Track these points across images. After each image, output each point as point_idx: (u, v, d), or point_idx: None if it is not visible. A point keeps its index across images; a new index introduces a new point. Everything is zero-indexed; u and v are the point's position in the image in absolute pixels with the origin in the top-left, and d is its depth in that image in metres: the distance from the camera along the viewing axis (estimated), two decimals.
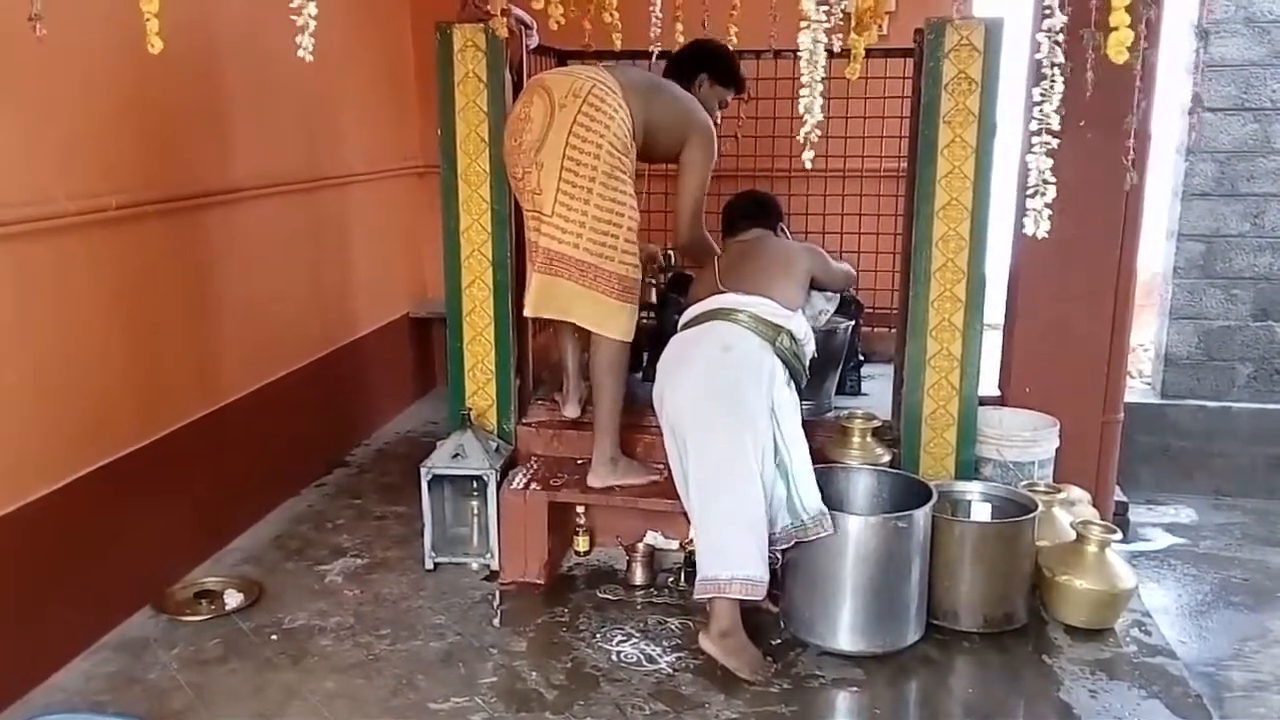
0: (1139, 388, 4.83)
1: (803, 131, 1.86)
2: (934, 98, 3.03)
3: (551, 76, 3.09)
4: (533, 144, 2.96)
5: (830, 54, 3.01)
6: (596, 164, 2.93)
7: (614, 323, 3.06)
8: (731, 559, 2.69)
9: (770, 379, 2.84)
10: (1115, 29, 1.75)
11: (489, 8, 2.62)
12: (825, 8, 1.86)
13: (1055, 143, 1.97)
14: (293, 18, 1.92)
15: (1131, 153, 2.36)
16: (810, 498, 2.77)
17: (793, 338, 2.94)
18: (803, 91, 1.88)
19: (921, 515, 2.75)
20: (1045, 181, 1.91)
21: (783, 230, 3.39)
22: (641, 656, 2.82)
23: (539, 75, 3.15)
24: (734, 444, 2.73)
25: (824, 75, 1.94)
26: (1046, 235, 1.98)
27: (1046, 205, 1.92)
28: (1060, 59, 1.96)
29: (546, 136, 2.93)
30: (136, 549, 2.99)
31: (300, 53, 1.95)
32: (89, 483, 2.80)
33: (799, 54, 1.92)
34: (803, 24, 1.85)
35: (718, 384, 2.83)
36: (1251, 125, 4.45)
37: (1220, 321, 4.57)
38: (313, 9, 1.95)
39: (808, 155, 1.88)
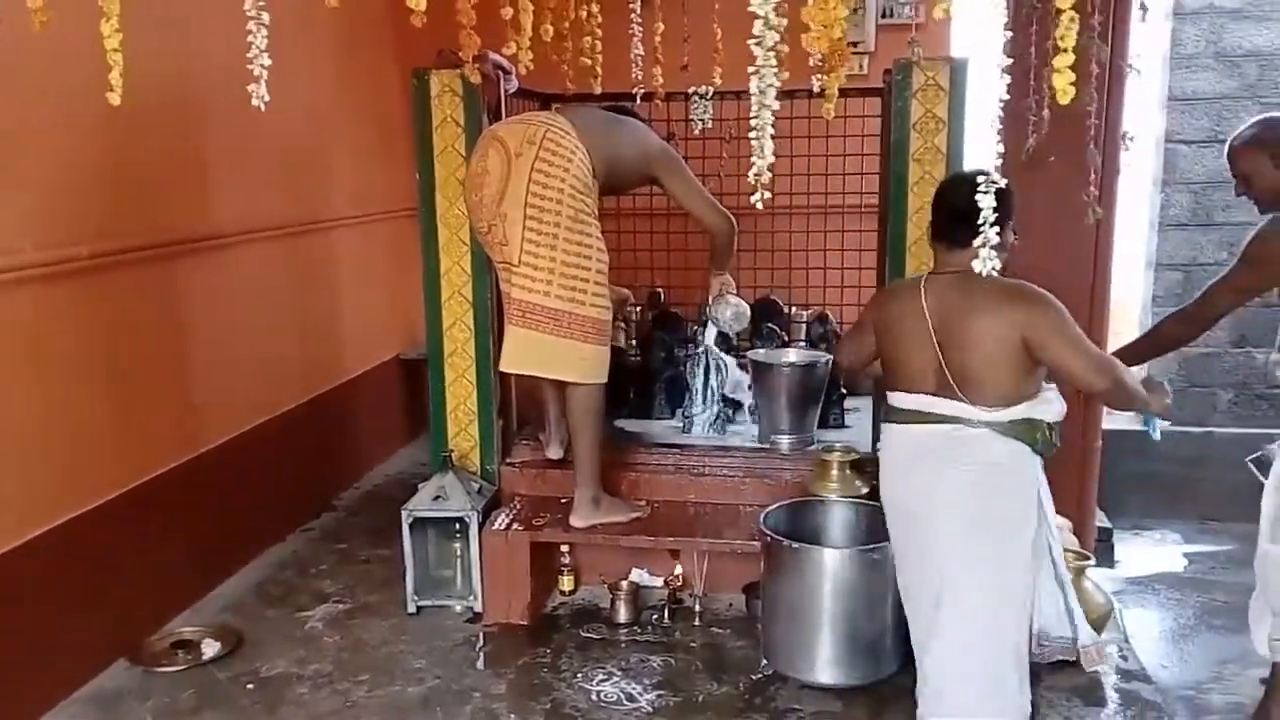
0: (1124, 415, 4.84)
1: (752, 173, 1.89)
2: (903, 136, 3.09)
3: (504, 127, 3.11)
4: (494, 196, 2.98)
5: (809, 94, 3.09)
6: (560, 209, 2.96)
7: (591, 368, 3.08)
8: None
9: None
10: (1058, 70, 1.79)
11: (460, 54, 2.67)
12: (774, 53, 1.90)
13: (1002, 181, 2.00)
14: (248, 67, 1.97)
15: (1093, 187, 2.41)
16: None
17: None
18: (753, 134, 1.91)
19: None
20: (989, 222, 1.94)
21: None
22: (622, 695, 2.82)
23: (491, 127, 3.18)
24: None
25: (776, 116, 1.98)
26: (995, 272, 2.00)
27: (990, 246, 1.94)
28: (1005, 97, 2.00)
29: (507, 187, 2.95)
30: (113, 600, 2.99)
31: (255, 101, 1.98)
32: (62, 534, 2.81)
33: (764, 93, 1.95)
34: (751, 69, 1.89)
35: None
36: (1225, 157, 4.51)
37: (1200, 349, 4.58)
38: (266, 59, 1.99)
39: (757, 197, 1.91)
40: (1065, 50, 1.78)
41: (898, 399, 2.56)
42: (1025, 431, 2.42)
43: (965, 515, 2.40)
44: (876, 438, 3.37)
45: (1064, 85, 1.78)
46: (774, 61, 1.86)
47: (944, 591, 2.41)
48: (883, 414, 2.66)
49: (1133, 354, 3.06)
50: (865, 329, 2.74)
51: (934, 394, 2.46)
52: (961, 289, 2.41)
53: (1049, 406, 2.45)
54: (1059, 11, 1.79)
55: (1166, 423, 2.63)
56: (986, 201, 2.05)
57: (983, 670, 2.40)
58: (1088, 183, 2.26)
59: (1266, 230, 2.61)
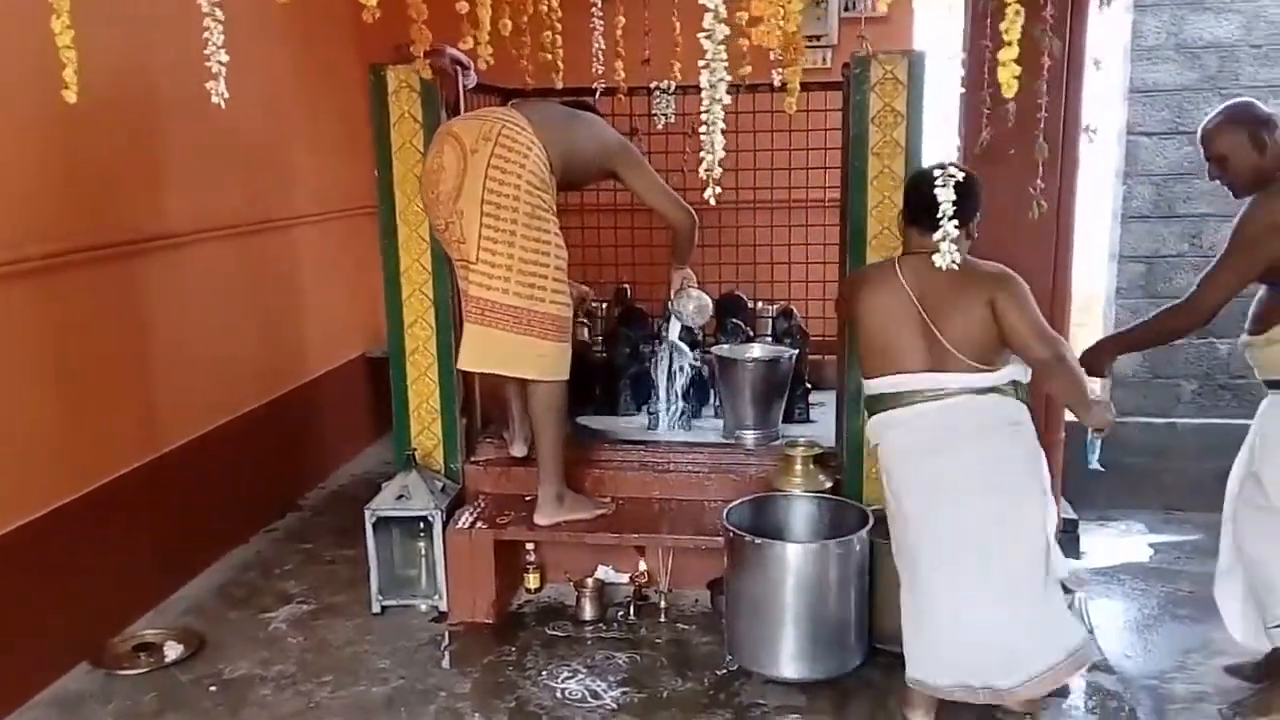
0: None
1: (702, 168, 1.89)
2: (862, 130, 3.09)
3: (460, 123, 3.09)
4: (450, 193, 2.96)
5: (771, 88, 3.08)
6: (517, 205, 2.94)
7: (551, 365, 3.07)
8: None
9: None
10: (1003, 64, 1.79)
11: (412, 49, 2.65)
12: (725, 47, 1.89)
13: (959, 175, 2.01)
14: (205, 64, 1.96)
15: (1040, 181, 2.42)
16: None
17: None
18: (704, 129, 1.90)
19: (857, 540, 2.77)
20: (948, 215, 1.95)
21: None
22: (586, 693, 2.82)
23: (447, 123, 3.16)
24: None
25: (740, 111, 1.97)
26: (955, 266, 2.01)
27: (951, 240, 1.96)
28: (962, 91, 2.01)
29: (463, 184, 2.93)
30: (74, 603, 2.96)
31: (215, 98, 1.98)
32: (20, 537, 2.76)
33: (715, 88, 1.94)
34: (701, 63, 1.89)
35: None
36: (1186, 148, 4.53)
37: None
38: (223, 55, 1.98)
39: (709, 193, 1.90)
40: (1010, 44, 1.78)
41: (894, 383, 2.57)
42: (1016, 390, 2.55)
43: (1003, 475, 2.50)
44: (841, 431, 3.38)
45: (1008, 79, 1.79)
46: (724, 55, 1.86)
47: (994, 553, 2.47)
48: (876, 406, 2.63)
49: (1126, 342, 3.05)
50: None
51: (933, 370, 2.51)
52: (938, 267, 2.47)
53: (1021, 366, 2.56)
54: (1004, 5, 1.80)
55: (1102, 469, 2.69)
56: (945, 195, 2.07)
57: (1049, 614, 2.49)
58: (1036, 176, 2.28)
59: (1251, 212, 2.58)
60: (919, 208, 2.52)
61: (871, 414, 2.65)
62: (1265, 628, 2.68)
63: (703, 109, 1.90)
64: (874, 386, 2.61)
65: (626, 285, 4.45)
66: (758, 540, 2.77)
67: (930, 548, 2.53)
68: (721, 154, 1.87)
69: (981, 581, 2.47)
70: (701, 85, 1.89)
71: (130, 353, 3.31)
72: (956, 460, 2.50)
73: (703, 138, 1.87)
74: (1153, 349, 4.59)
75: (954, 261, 2.00)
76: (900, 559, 2.61)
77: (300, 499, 4.36)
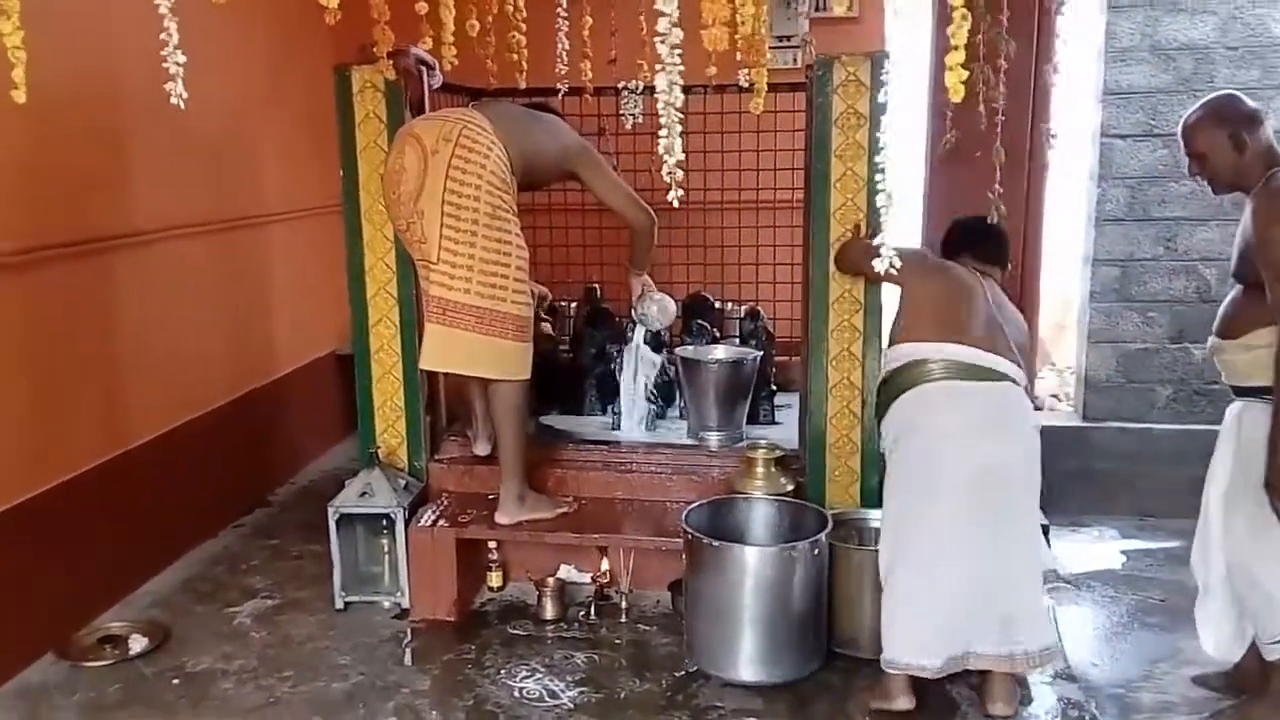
0: (1063, 411, 4.88)
1: (664, 171, 1.87)
2: (825, 133, 3.08)
3: (421, 124, 3.09)
4: (411, 194, 2.96)
5: (739, 89, 3.07)
6: (478, 205, 2.94)
7: (513, 365, 3.07)
8: None
9: None
10: (950, 68, 1.79)
11: (375, 49, 2.64)
12: (679, 51, 1.88)
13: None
14: (164, 65, 1.96)
15: (1000, 186, 2.43)
16: None
17: None
18: (662, 133, 1.89)
19: (817, 544, 2.76)
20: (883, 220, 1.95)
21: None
22: (544, 692, 2.82)
23: (408, 124, 3.15)
24: None
25: (707, 112, 1.95)
26: (895, 270, 2.00)
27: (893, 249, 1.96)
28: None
29: (424, 184, 2.93)
30: (40, 595, 2.96)
31: (174, 99, 1.98)
32: None
33: (670, 91, 1.93)
34: (658, 67, 1.88)
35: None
36: (1161, 151, 4.53)
37: (1138, 344, 4.61)
38: (180, 56, 1.98)
39: (673, 195, 1.89)
40: (957, 48, 1.78)
41: (949, 350, 2.66)
42: None
43: (1031, 468, 2.68)
44: (805, 433, 3.36)
45: (955, 83, 1.78)
46: (678, 60, 1.84)
47: (1005, 535, 2.61)
48: (910, 378, 2.69)
49: None
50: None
51: (994, 352, 2.67)
52: (995, 288, 2.82)
53: None
54: (952, 9, 1.79)
55: None
56: (884, 200, 2.07)
57: (1042, 602, 2.77)
58: (993, 180, 2.28)
59: (1256, 226, 2.43)
60: (988, 242, 2.82)
61: (901, 388, 2.70)
62: (1263, 643, 2.60)
63: (660, 112, 1.88)
64: (918, 352, 2.69)
65: (596, 285, 4.44)
66: (716, 543, 2.77)
67: (954, 523, 2.58)
68: (680, 156, 1.86)
69: (990, 552, 2.58)
70: (657, 89, 1.87)
71: (99, 349, 3.31)
72: (1001, 445, 2.61)
73: (661, 141, 1.86)
74: (1125, 354, 4.61)
75: (892, 266, 2.00)
76: (901, 535, 2.64)
77: (269, 495, 4.36)
